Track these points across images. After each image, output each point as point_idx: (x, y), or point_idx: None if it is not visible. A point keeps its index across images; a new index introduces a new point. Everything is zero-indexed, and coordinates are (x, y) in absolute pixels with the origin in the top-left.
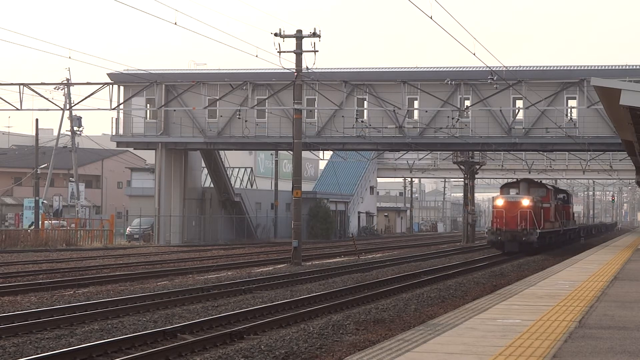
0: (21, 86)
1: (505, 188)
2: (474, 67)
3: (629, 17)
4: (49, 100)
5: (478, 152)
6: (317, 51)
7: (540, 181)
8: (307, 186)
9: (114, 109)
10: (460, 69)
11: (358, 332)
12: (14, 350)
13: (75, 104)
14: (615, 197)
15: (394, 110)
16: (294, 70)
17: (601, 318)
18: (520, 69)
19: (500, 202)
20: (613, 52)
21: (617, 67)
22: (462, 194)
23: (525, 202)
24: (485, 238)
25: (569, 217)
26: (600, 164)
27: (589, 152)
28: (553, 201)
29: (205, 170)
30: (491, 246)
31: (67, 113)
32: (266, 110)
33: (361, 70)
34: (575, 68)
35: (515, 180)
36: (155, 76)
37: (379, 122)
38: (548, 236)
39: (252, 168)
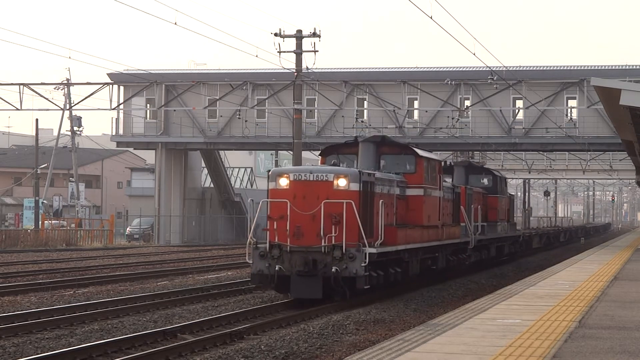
0: (21, 86)
1: (329, 155)
2: (474, 67)
3: (629, 17)
4: (49, 100)
5: (478, 152)
6: (317, 51)
7: (419, 146)
8: None
9: (114, 109)
10: (460, 69)
11: (358, 332)
12: (14, 350)
13: (75, 104)
14: (615, 197)
15: (394, 110)
16: (294, 70)
17: (601, 318)
18: (520, 69)
19: (283, 182)
20: (613, 52)
21: (617, 67)
22: None
23: (342, 182)
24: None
25: (495, 217)
26: (600, 164)
27: (589, 152)
28: (438, 186)
29: (205, 170)
30: (258, 284)
31: (67, 113)
32: (266, 110)
33: (361, 70)
34: (575, 68)
35: (353, 139)
36: (155, 76)
37: (379, 122)
38: (410, 258)
39: (252, 168)
